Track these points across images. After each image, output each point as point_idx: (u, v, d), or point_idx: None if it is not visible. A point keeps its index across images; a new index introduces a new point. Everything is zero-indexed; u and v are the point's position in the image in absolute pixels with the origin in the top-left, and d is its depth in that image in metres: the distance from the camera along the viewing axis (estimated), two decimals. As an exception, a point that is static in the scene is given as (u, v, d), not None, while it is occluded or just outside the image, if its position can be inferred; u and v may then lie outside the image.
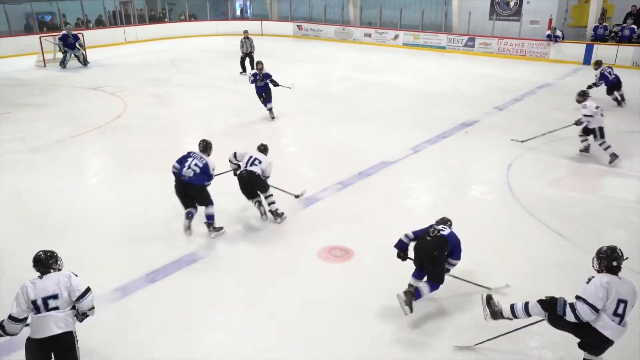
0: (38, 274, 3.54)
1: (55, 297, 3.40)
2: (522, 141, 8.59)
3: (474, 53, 18.56)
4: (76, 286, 3.46)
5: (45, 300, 3.39)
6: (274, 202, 6.10)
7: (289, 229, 6.07)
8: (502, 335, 3.92)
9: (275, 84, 10.07)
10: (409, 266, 5.25)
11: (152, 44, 20.79)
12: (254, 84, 10.05)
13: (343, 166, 7.85)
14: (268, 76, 10.01)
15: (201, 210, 5.78)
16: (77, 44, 15.63)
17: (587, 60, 16.30)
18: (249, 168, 5.91)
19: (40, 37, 15.99)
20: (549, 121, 10.27)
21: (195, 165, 5.60)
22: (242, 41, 14.65)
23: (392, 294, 4.82)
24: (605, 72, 11.28)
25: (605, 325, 3.43)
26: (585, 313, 3.43)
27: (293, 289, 4.93)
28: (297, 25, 23.34)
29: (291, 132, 10.23)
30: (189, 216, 5.68)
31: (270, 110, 10.27)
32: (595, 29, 16.56)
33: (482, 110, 11.15)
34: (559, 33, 16.72)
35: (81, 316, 3.57)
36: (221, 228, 5.86)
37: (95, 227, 6.08)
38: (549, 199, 6.84)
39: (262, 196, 6.07)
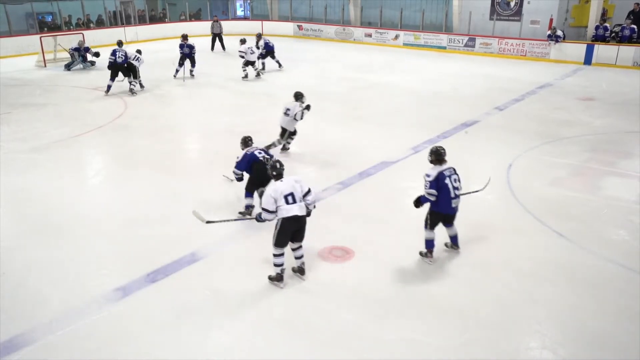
0: None
1: None
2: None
3: (474, 53, 18.56)
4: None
5: None
6: None
7: (289, 229, 6.06)
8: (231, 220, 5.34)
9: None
10: (409, 266, 5.27)
11: (152, 44, 20.81)
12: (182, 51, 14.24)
13: (343, 166, 7.85)
14: (192, 47, 14.10)
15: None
16: (88, 54, 15.80)
17: (587, 61, 16.32)
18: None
19: (40, 37, 16.00)
20: (549, 121, 10.29)
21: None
22: (212, 24, 19.63)
23: (392, 293, 4.83)
24: (267, 41, 15.58)
25: (282, 213, 4.76)
26: (265, 216, 4.83)
27: (293, 289, 4.92)
28: (298, 25, 23.35)
29: (291, 132, 10.22)
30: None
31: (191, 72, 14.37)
32: (596, 29, 16.56)
33: (483, 110, 11.15)
34: (559, 33, 16.71)
35: None
36: None
37: (95, 227, 6.08)
38: (549, 199, 6.84)
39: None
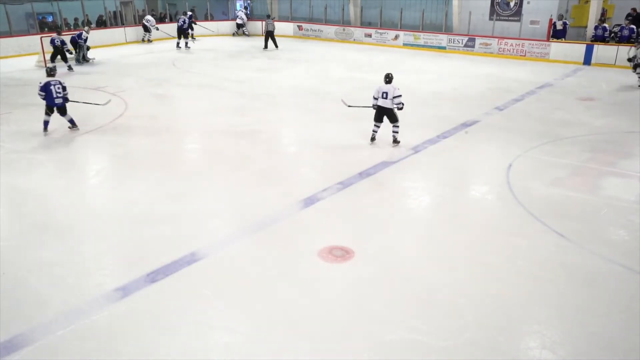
0: None
1: None
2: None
3: (474, 53, 18.57)
4: None
5: None
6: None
7: (289, 229, 6.07)
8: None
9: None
10: (409, 266, 5.27)
11: (152, 43, 20.83)
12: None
13: (343, 166, 7.85)
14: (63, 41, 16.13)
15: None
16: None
17: (587, 61, 16.34)
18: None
19: (40, 37, 15.98)
20: (549, 121, 10.29)
21: None
22: (266, 23, 20.18)
23: (392, 293, 4.83)
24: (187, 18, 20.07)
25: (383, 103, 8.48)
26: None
27: (293, 289, 4.93)
28: (298, 26, 23.36)
29: (291, 132, 10.24)
30: None
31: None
32: (595, 29, 16.58)
33: (483, 110, 11.15)
34: (567, 20, 16.88)
35: None
36: None
37: (95, 227, 6.08)
38: (549, 199, 6.84)
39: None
